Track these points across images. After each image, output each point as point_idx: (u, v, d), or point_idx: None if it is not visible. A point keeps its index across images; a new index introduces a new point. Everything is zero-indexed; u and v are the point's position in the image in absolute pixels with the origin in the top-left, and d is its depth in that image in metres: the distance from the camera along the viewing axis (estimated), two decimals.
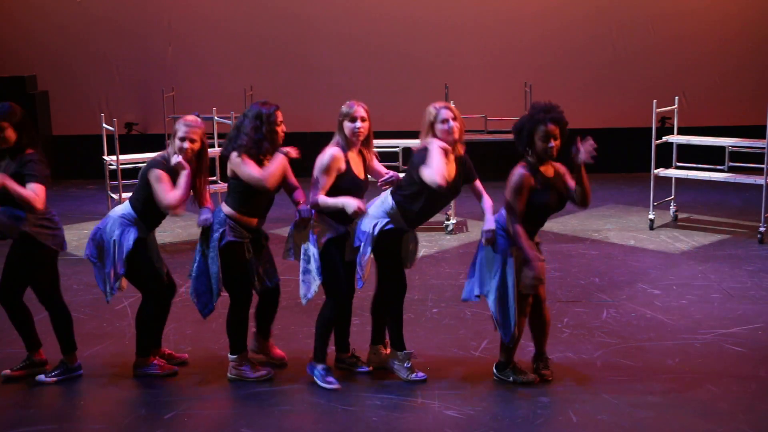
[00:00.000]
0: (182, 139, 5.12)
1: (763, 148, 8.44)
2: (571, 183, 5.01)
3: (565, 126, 4.95)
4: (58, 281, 5.32)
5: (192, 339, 5.97)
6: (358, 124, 5.10)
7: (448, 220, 9.04)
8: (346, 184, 5.08)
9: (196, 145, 5.15)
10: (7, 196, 5.04)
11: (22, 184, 5.00)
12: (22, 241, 5.11)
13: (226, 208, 5.12)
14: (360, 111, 5.12)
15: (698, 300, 6.68)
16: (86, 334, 6.00)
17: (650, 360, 5.51)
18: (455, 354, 5.67)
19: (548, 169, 5.01)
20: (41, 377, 5.32)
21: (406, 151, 7.32)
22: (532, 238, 5.00)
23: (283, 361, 5.53)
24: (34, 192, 4.98)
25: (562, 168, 5.08)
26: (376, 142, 8.19)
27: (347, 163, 5.12)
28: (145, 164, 5.26)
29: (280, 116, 5.09)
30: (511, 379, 5.16)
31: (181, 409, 4.90)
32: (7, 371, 5.34)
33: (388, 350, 5.43)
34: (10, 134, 5.04)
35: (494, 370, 5.23)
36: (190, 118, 5.21)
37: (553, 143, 4.88)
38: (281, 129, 5.10)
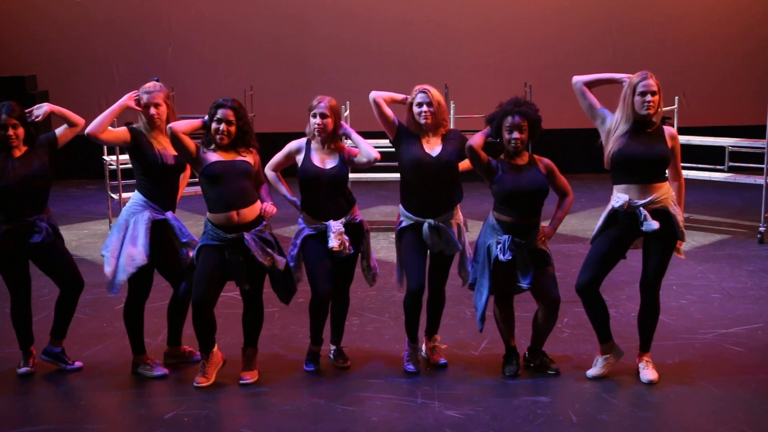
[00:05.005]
0: (147, 106, 5.21)
1: (763, 148, 8.43)
2: (558, 183, 5.14)
3: (535, 122, 4.98)
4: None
5: (192, 339, 5.95)
6: (317, 120, 5.12)
7: None
8: (301, 172, 5.18)
9: (162, 109, 5.27)
10: (37, 202, 5.10)
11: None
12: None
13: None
14: (320, 107, 5.12)
15: (698, 300, 6.68)
16: (86, 334, 5.99)
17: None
18: (455, 354, 5.66)
19: (521, 160, 5.06)
20: (22, 370, 5.32)
21: None
22: (515, 227, 5.07)
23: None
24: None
25: (549, 163, 5.13)
26: (377, 141, 8.16)
27: (307, 153, 5.19)
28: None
29: (219, 113, 5.23)
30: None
31: (181, 409, 4.89)
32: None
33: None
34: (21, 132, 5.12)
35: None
36: (149, 84, 5.28)
37: (517, 135, 4.94)
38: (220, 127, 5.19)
